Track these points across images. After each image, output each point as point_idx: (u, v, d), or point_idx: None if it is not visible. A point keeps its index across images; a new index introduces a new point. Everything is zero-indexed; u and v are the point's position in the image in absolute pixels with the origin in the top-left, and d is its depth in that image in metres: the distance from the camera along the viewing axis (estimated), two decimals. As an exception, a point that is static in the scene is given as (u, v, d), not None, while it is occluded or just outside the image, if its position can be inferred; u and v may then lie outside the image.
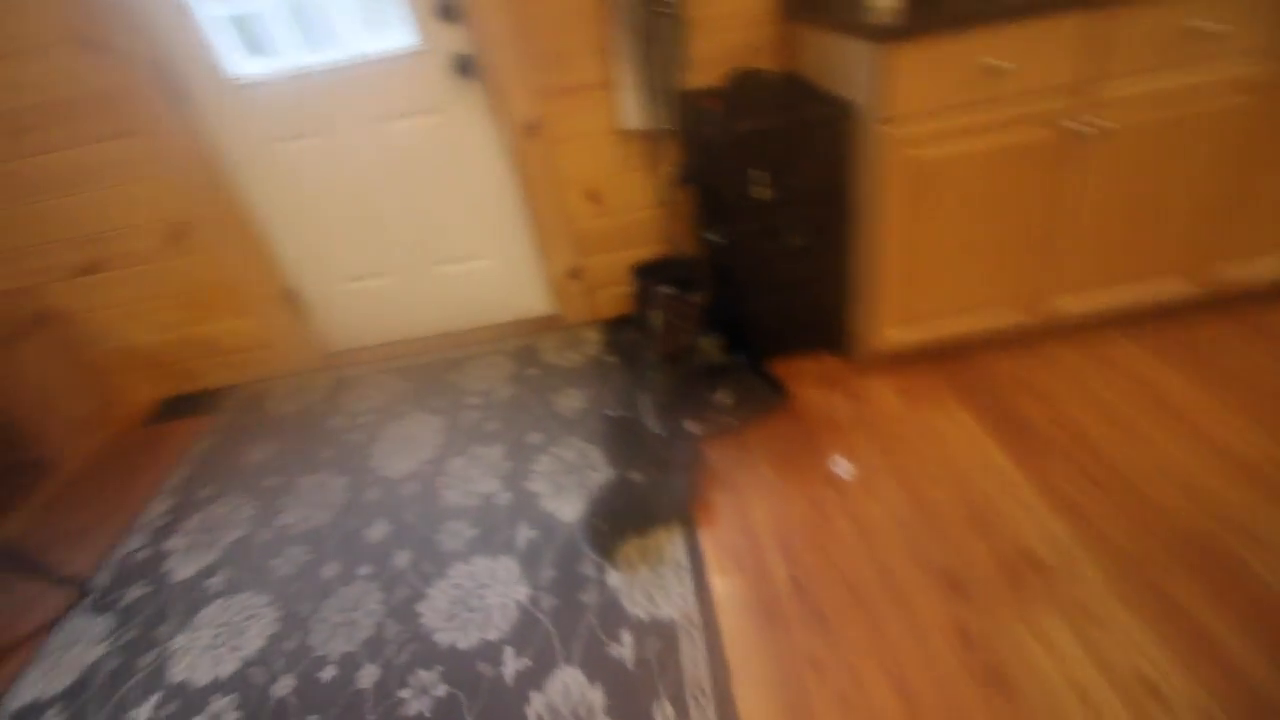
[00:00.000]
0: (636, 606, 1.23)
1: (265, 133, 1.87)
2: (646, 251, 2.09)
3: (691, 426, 1.64)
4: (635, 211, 2.02)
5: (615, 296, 2.17)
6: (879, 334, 1.65)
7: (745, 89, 1.69)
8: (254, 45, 1.80)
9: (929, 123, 1.35)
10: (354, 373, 2.15)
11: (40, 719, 1.17)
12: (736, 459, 1.56)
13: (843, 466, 1.47)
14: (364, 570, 1.39)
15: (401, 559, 1.41)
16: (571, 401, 1.82)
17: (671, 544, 1.36)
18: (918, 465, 1.47)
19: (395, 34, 1.79)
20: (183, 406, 2.17)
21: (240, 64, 1.80)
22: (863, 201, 1.54)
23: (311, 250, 2.07)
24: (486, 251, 2.12)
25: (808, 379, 1.78)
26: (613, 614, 1.22)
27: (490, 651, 1.19)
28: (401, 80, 1.83)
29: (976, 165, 1.41)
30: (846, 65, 1.44)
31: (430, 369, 2.09)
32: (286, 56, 1.80)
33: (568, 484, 1.54)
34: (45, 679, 1.23)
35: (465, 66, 1.81)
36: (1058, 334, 1.76)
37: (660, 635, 1.18)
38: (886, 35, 1.26)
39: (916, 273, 1.55)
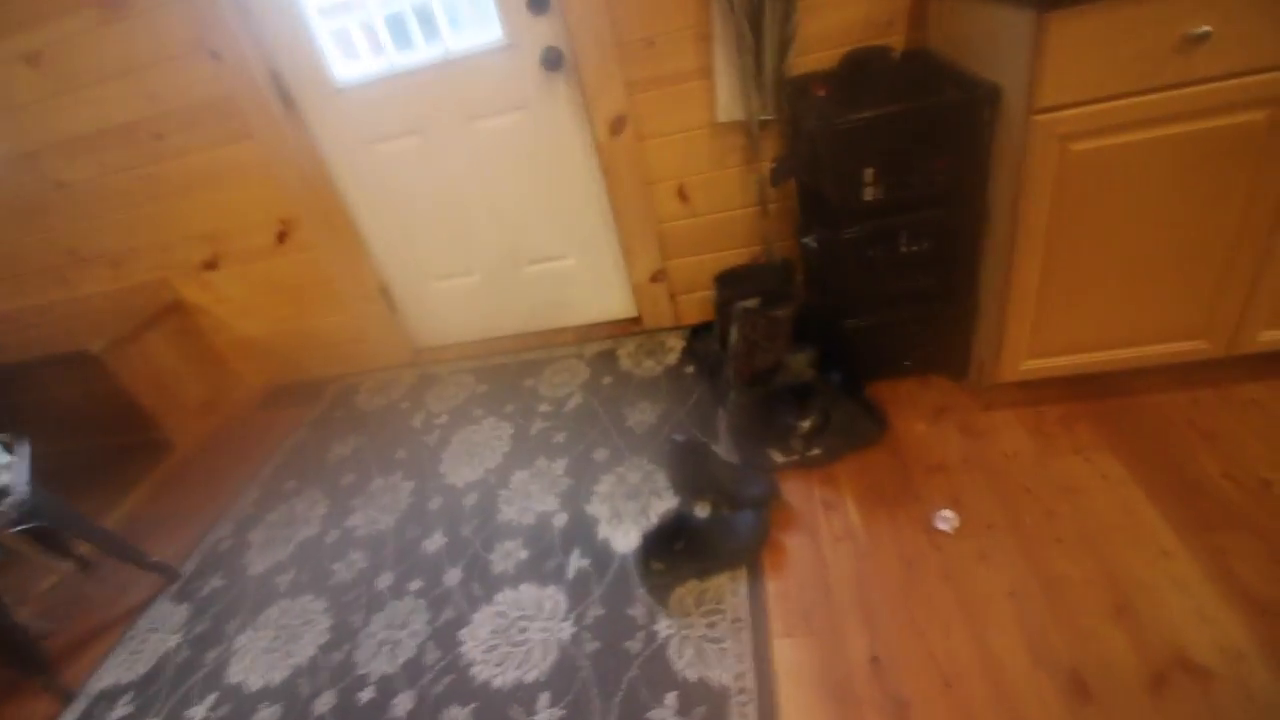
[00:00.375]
0: (685, 664, 1.09)
1: (362, 135, 1.91)
2: (737, 255, 1.92)
3: (772, 455, 1.46)
4: (726, 211, 1.85)
5: (700, 301, 2.02)
6: (1011, 364, 1.37)
7: (862, 72, 1.46)
8: (350, 49, 1.83)
9: (1097, 109, 1.07)
10: (438, 370, 2.17)
11: (114, 705, 1.24)
12: (819, 498, 1.37)
13: (948, 520, 1.23)
14: (415, 585, 1.37)
15: (452, 577, 1.36)
16: (644, 416, 1.70)
17: (733, 593, 1.20)
18: (1047, 526, 1.20)
19: (485, 29, 1.74)
20: (288, 395, 2.30)
21: (340, 68, 1.83)
22: (1002, 205, 1.27)
23: (404, 248, 2.10)
24: (571, 251, 2.04)
25: (916, 408, 1.53)
26: (658, 669, 1.09)
27: (525, 695, 1.10)
28: (491, 77, 1.79)
29: (1157, 161, 1.11)
30: (994, 40, 1.18)
31: (509, 371, 2.06)
32: (381, 59, 1.81)
33: (628, 511, 1.43)
34: (125, 665, 1.32)
35: (554, 60, 1.72)
36: (1253, 369, 1.38)
37: (708, 702, 1.03)
38: (1048, 2, 1.00)
39: (1068, 293, 1.26)
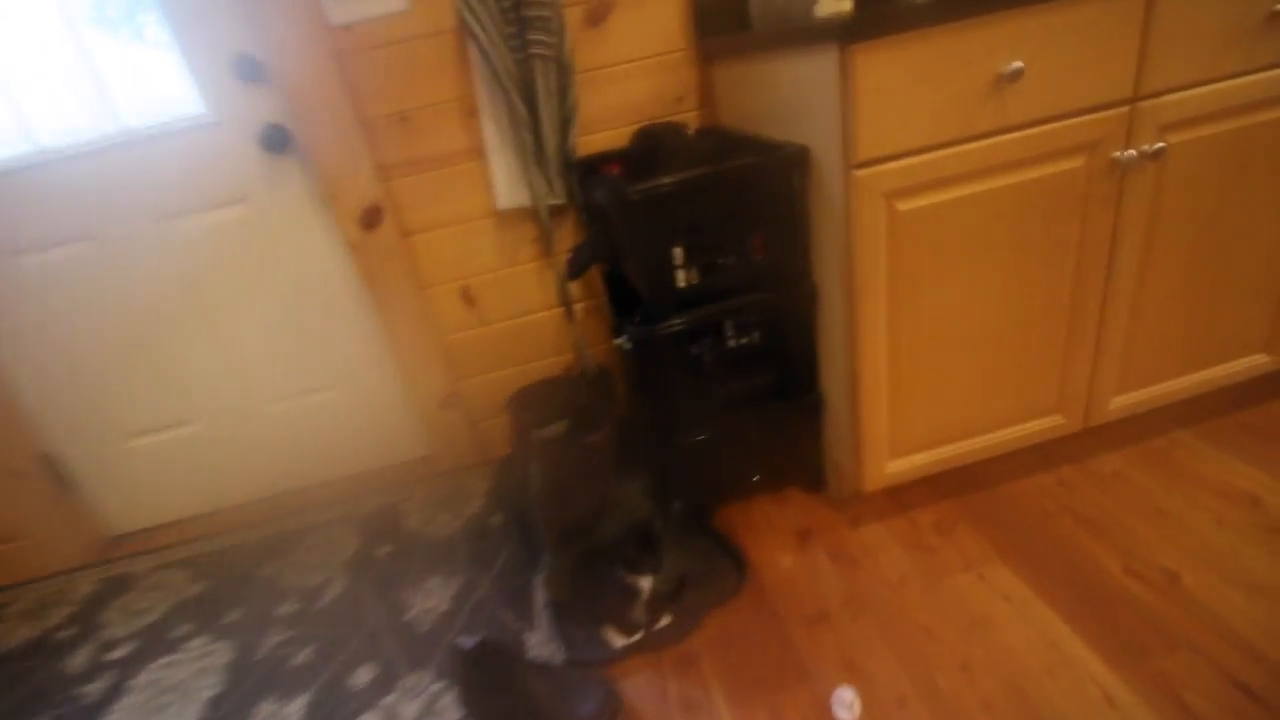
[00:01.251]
0: None
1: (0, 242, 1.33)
2: (545, 367, 1.57)
3: (607, 638, 1.05)
4: (524, 316, 1.52)
5: (507, 427, 1.62)
6: (872, 468, 1.13)
7: (657, 147, 1.25)
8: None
9: (919, 161, 0.91)
10: (137, 568, 1.50)
11: None
12: (677, 697, 0.97)
13: (850, 706, 0.90)
14: None
15: None
16: (432, 600, 1.22)
17: None
18: (967, 685, 0.91)
19: (180, 101, 1.31)
20: None
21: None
22: (833, 280, 1.06)
23: (78, 398, 1.48)
24: (331, 380, 1.56)
25: (775, 534, 1.23)
26: None
27: None
28: (193, 162, 1.34)
29: (986, 218, 0.96)
30: (797, 95, 1.00)
31: (243, 555, 1.46)
32: (22, 137, 1.30)
33: (397, 775, 0.92)
34: None
35: (278, 140, 1.33)
36: (1105, 439, 1.28)
37: None
38: (850, 33, 0.83)
39: (916, 377, 1.07)
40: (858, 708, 0.89)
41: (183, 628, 1.29)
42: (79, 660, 1.26)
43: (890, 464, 1.13)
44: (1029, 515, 1.17)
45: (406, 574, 1.30)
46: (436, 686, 1.04)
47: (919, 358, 1.06)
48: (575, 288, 1.51)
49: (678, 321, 1.09)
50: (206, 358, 1.49)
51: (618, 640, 1.05)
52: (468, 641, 0.95)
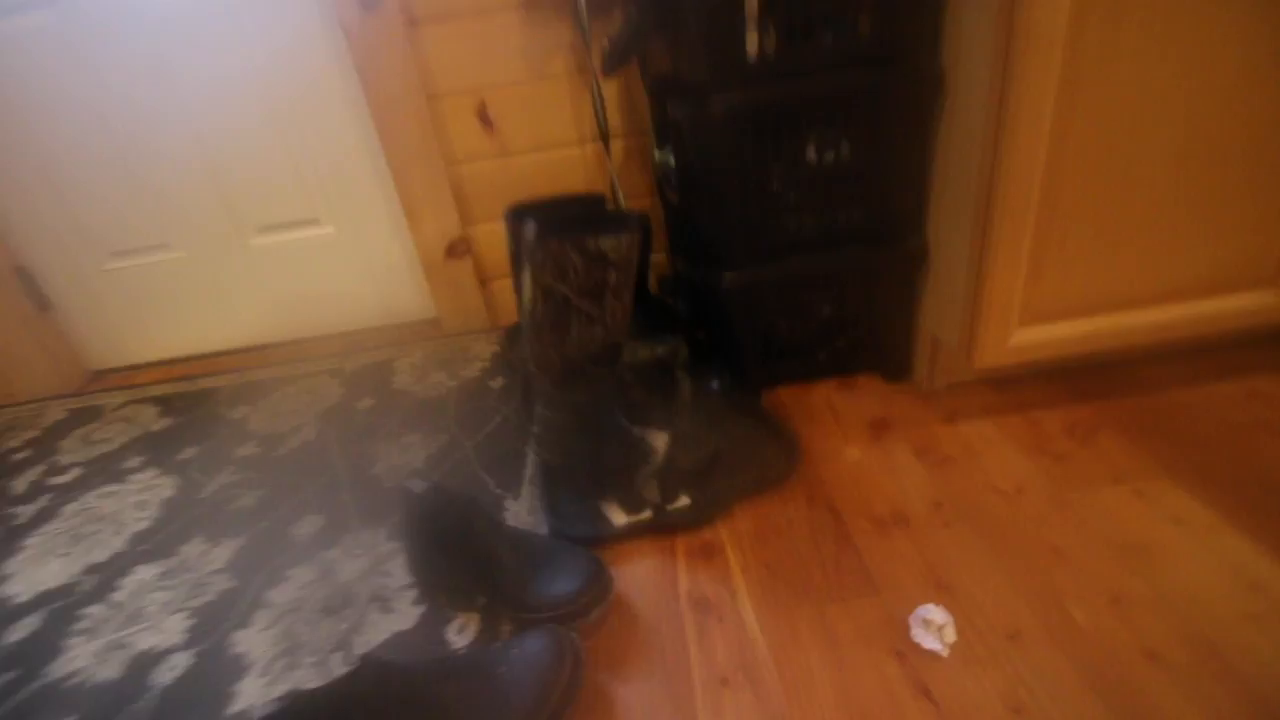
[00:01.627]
0: None
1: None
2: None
3: (607, 512, 0.81)
4: (553, 150, 1.25)
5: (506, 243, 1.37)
6: (993, 336, 0.82)
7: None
8: None
9: None
10: (111, 400, 1.35)
11: None
12: (688, 592, 0.71)
13: (936, 626, 0.62)
14: None
15: None
16: (406, 456, 1.00)
17: None
18: (1119, 623, 0.62)
19: None
20: None
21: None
22: (975, 55, 0.74)
23: (52, 203, 1.32)
24: (323, 211, 1.34)
25: (840, 425, 0.94)
26: None
27: None
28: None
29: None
30: None
31: (219, 397, 1.29)
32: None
33: (316, 643, 0.71)
34: None
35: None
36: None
37: None
38: None
39: (1079, 207, 0.74)
40: (950, 634, 0.61)
41: (134, 460, 1.12)
42: (22, 483, 1.11)
43: (1019, 333, 0.82)
44: (1208, 427, 0.83)
45: (383, 428, 1.09)
46: (387, 547, 0.82)
47: (1089, 177, 0.73)
48: (615, 120, 1.23)
49: (739, 99, 0.79)
50: (186, 173, 1.30)
51: (619, 517, 0.79)
52: (417, 485, 0.71)
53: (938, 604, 0.63)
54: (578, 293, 0.75)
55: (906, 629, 0.63)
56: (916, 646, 0.62)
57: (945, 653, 0.60)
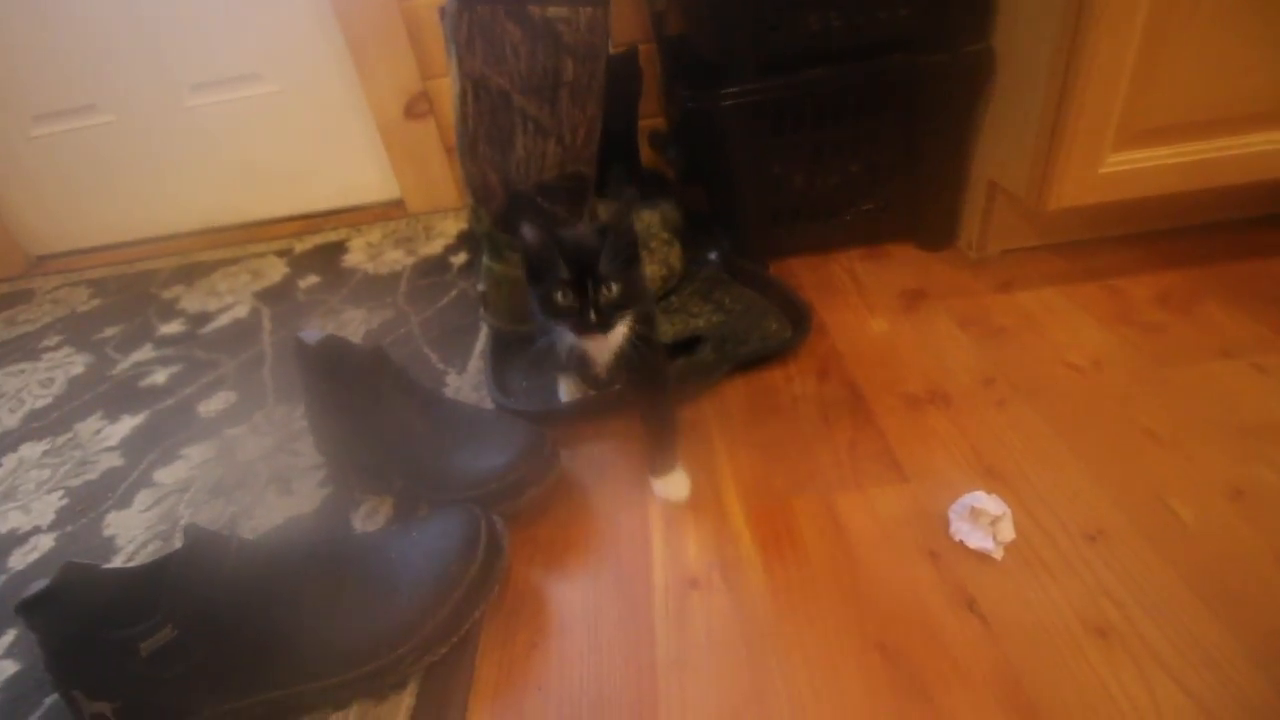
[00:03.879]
0: None
1: None
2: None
3: (565, 388, 0.65)
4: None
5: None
6: (1081, 160, 0.62)
7: None
8: None
9: None
10: (43, 284, 1.22)
11: None
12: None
13: (990, 518, 0.45)
14: None
15: None
16: (340, 332, 0.85)
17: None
18: (1217, 496, 0.45)
19: None
20: None
21: None
22: None
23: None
24: (265, 65, 1.15)
25: (867, 296, 0.76)
26: None
27: None
28: None
29: None
30: None
31: (156, 279, 1.14)
32: None
33: (207, 521, 0.57)
34: None
35: None
36: None
37: None
38: None
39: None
40: (1008, 530, 0.45)
41: (53, 339, 0.99)
42: (-69, 363, 0.99)
43: (1112, 160, 0.62)
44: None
45: (323, 305, 0.93)
46: (301, 425, 0.68)
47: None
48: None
49: None
50: (108, 23, 1.11)
51: (577, 391, 0.63)
52: (310, 335, 0.56)
53: (988, 494, 0.47)
54: (521, 88, 0.57)
55: (944, 524, 0.47)
56: (958, 546, 0.45)
57: (999, 554, 0.44)
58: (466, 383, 0.70)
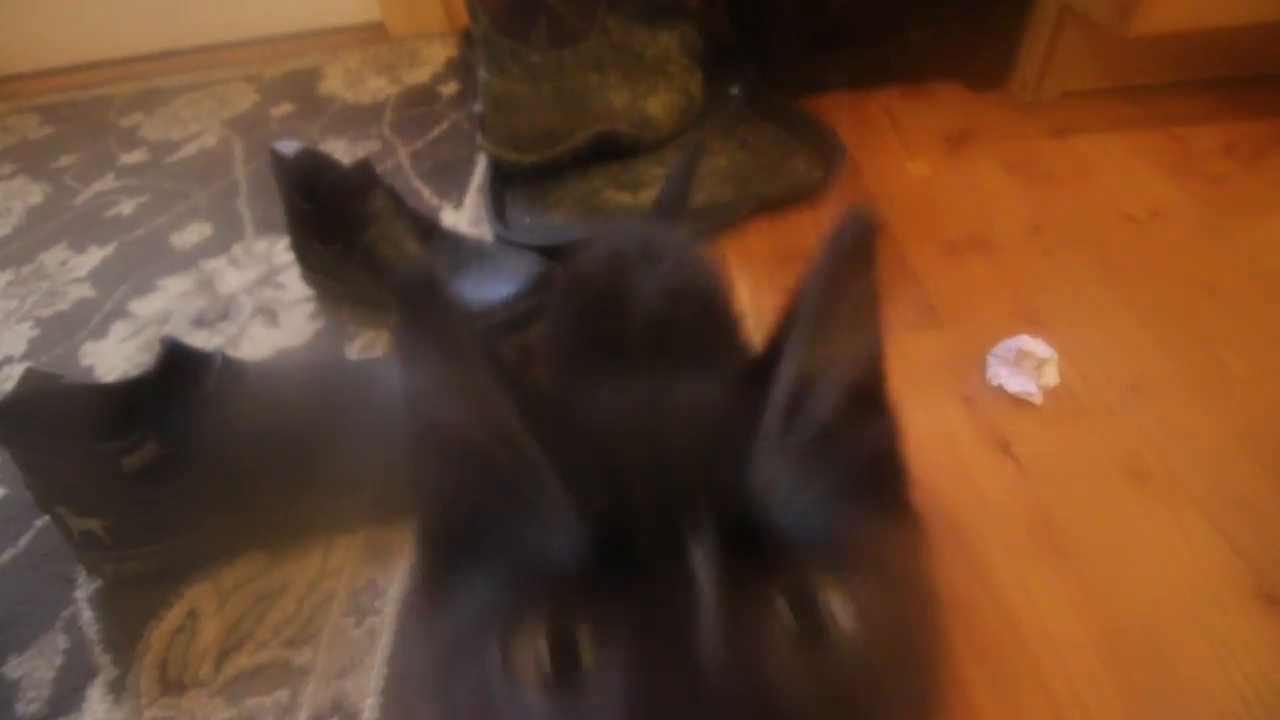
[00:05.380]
0: None
1: None
2: None
3: (573, 222, 0.59)
4: None
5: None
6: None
7: None
8: None
9: None
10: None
11: None
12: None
13: (1036, 362, 0.42)
14: None
15: None
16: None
17: (354, 612, 0.37)
18: (1261, 343, 0.43)
19: None
20: None
21: None
22: None
23: None
24: None
25: (906, 138, 0.68)
26: None
27: None
28: None
29: None
30: None
31: (112, 104, 1.03)
32: None
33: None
34: None
35: None
36: None
37: None
38: None
39: None
40: (1052, 374, 0.42)
41: (5, 168, 0.90)
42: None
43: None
44: None
45: (300, 136, 0.84)
46: (286, 258, 0.63)
47: None
48: None
49: None
50: None
51: (586, 226, 0.58)
52: (287, 145, 0.49)
53: (1034, 336, 0.43)
54: None
55: (980, 370, 0.44)
56: (996, 391, 0.43)
57: (1039, 398, 0.41)
58: (464, 218, 0.64)
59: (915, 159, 0.65)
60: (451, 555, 0.16)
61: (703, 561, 0.12)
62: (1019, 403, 0.42)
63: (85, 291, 0.64)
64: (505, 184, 0.65)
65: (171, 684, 0.35)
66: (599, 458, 0.15)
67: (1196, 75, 0.69)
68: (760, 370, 0.16)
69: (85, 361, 0.57)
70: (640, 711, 0.12)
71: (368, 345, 0.52)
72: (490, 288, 0.47)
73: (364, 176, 0.48)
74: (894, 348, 0.45)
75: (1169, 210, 0.56)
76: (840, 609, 0.13)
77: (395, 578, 0.38)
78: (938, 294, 0.51)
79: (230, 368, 0.37)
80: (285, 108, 0.92)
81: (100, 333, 0.59)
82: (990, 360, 0.44)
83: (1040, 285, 0.51)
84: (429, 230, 0.50)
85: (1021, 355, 0.42)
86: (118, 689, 0.36)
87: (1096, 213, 0.56)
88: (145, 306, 0.61)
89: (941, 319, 0.49)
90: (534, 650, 0.13)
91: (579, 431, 0.15)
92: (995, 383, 0.43)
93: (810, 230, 0.58)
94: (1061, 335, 0.46)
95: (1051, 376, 0.42)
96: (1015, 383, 0.42)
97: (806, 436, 0.14)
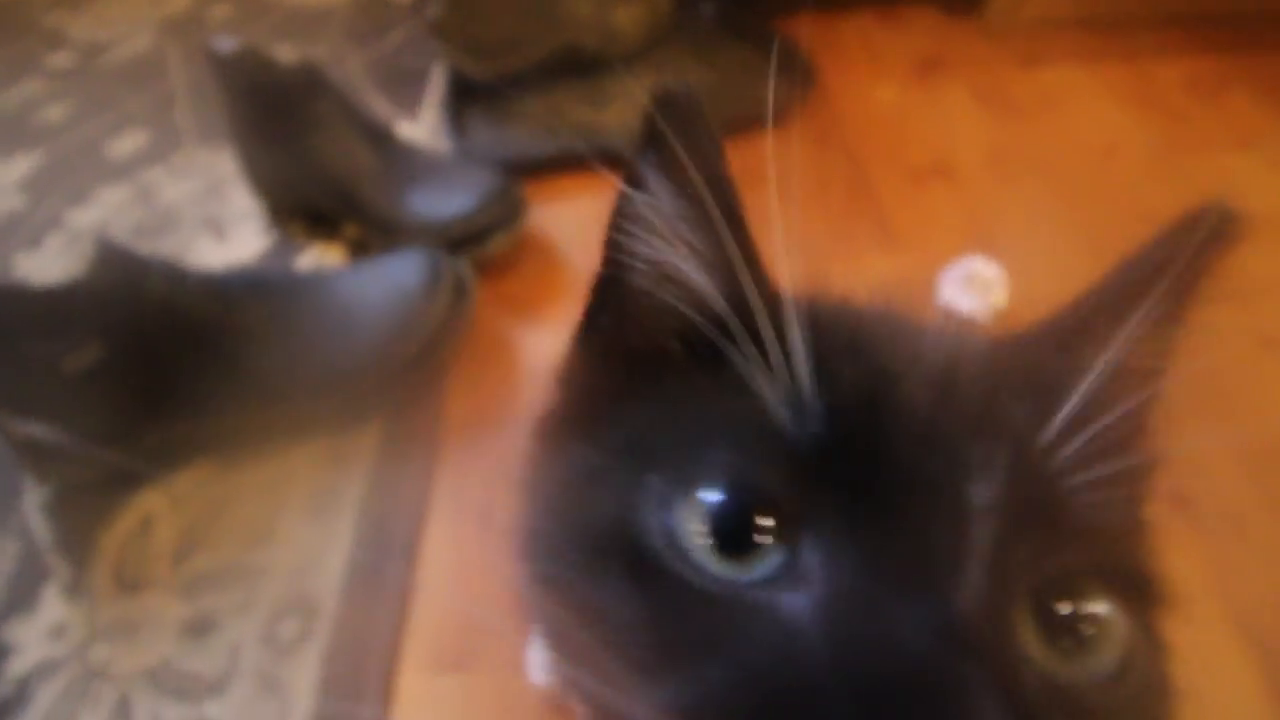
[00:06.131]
0: None
1: None
2: None
3: (537, 136, 0.57)
4: None
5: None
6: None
7: None
8: None
9: None
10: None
11: None
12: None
13: (982, 280, 0.44)
14: None
15: None
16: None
17: (315, 513, 0.37)
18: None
19: None
20: None
21: None
22: None
23: None
24: None
25: (876, 63, 0.67)
26: None
27: None
28: None
29: None
30: None
31: (22, 2, 0.94)
32: None
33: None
34: None
35: None
36: None
37: None
38: None
39: None
40: (1000, 295, 0.43)
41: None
42: None
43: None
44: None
45: (242, 39, 0.79)
46: (230, 169, 0.59)
47: None
48: None
49: None
50: None
51: (549, 141, 0.57)
52: (225, 43, 0.46)
53: (987, 257, 0.45)
54: None
55: (932, 292, 0.45)
56: (946, 312, 0.44)
57: (987, 319, 0.43)
58: (420, 132, 0.61)
59: (885, 84, 0.64)
60: (625, 382, 0.15)
61: (984, 508, 0.11)
62: (968, 323, 0.44)
63: (14, 200, 0.60)
64: (465, 97, 0.62)
65: (127, 584, 0.36)
66: (858, 348, 0.14)
67: (1166, 9, 0.69)
68: (1063, 335, 0.15)
69: (20, 273, 0.54)
70: (845, 643, 0.10)
71: (319, 259, 0.51)
72: (445, 201, 0.45)
73: (308, 77, 0.45)
74: (850, 270, 0.46)
75: (1127, 144, 0.57)
76: (1105, 628, 0.12)
77: (355, 483, 0.39)
78: (896, 218, 0.51)
79: (171, 272, 0.35)
80: (225, 8, 0.85)
81: (34, 243, 0.56)
82: (943, 281, 0.45)
83: (997, 212, 0.51)
84: (381, 138, 0.48)
85: (972, 277, 0.43)
86: (73, 589, 0.36)
87: (1058, 143, 0.57)
88: (81, 217, 0.58)
89: (900, 243, 0.50)
90: (721, 513, 0.12)
91: (829, 318, 0.15)
92: (946, 304, 0.44)
93: (776, 152, 0.58)
94: (1013, 261, 0.48)
95: (999, 298, 0.43)
96: (965, 303, 0.43)
97: (1112, 430, 0.12)
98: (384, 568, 0.35)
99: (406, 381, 0.39)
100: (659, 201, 0.15)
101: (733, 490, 0.12)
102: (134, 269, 0.35)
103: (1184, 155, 0.56)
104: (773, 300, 0.14)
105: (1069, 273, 0.47)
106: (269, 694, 0.32)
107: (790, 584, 0.11)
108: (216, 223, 0.55)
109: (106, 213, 0.58)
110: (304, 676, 0.32)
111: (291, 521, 0.37)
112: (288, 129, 0.46)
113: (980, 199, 0.52)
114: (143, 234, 0.55)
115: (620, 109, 0.62)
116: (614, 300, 0.17)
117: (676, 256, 0.15)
